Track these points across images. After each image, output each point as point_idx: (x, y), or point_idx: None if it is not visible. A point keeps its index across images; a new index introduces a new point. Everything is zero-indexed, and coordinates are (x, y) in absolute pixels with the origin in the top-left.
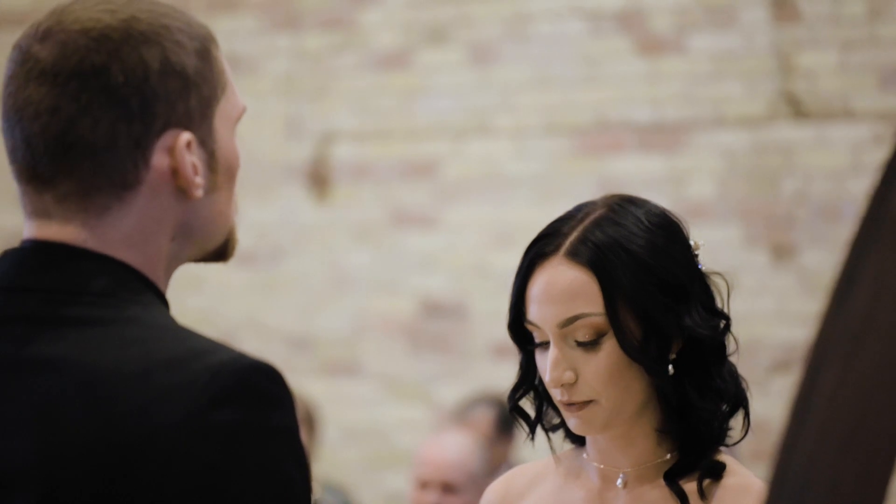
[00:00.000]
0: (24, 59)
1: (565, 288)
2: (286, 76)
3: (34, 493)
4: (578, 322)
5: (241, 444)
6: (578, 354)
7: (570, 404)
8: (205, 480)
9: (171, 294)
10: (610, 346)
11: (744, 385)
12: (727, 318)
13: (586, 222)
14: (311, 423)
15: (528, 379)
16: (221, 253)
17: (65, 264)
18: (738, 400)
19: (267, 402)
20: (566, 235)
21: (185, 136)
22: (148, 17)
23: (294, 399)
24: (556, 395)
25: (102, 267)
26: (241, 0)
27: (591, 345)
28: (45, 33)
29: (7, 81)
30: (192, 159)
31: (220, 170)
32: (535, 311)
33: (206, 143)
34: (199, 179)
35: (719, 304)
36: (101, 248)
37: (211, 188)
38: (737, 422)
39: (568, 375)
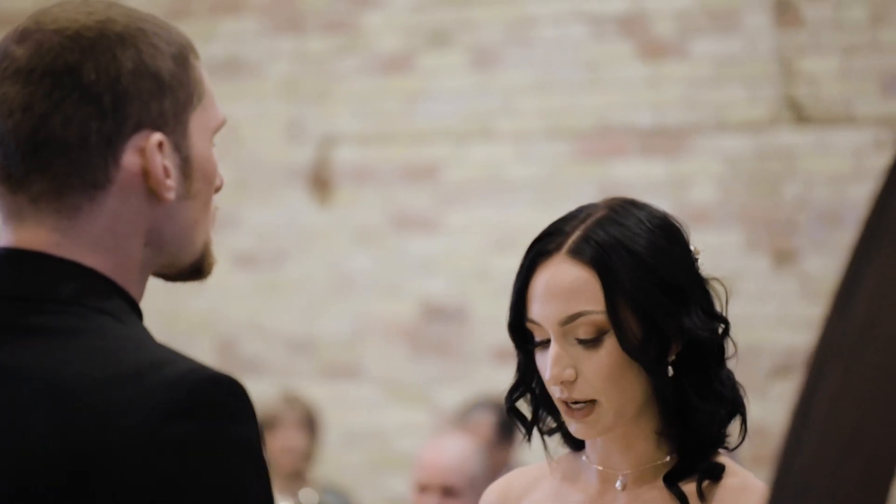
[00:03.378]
0: (1, 60)
1: (567, 286)
2: (288, 79)
3: None
4: (580, 320)
5: (196, 458)
6: (579, 352)
7: (572, 409)
8: (161, 493)
9: (173, 297)
10: (610, 344)
11: (741, 391)
12: (726, 322)
13: (588, 222)
14: (312, 426)
15: (526, 380)
16: (197, 269)
17: (32, 271)
18: (735, 406)
19: (224, 415)
20: (568, 234)
21: (157, 137)
22: (125, 20)
23: (254, 412)
24: (556, 392)
25: (69, 273)
26: (244, 2)
27: (591, 343)
28: (22, 34)
29: None
30: (163, 161)
31: (194, 176)
32: (537, 309)
33: (181, 147)
34: (170, 182)
35: (718, 309)
36: (72, 253)
37: (185, 194)
38: (734, 428)
39: (568, 373)
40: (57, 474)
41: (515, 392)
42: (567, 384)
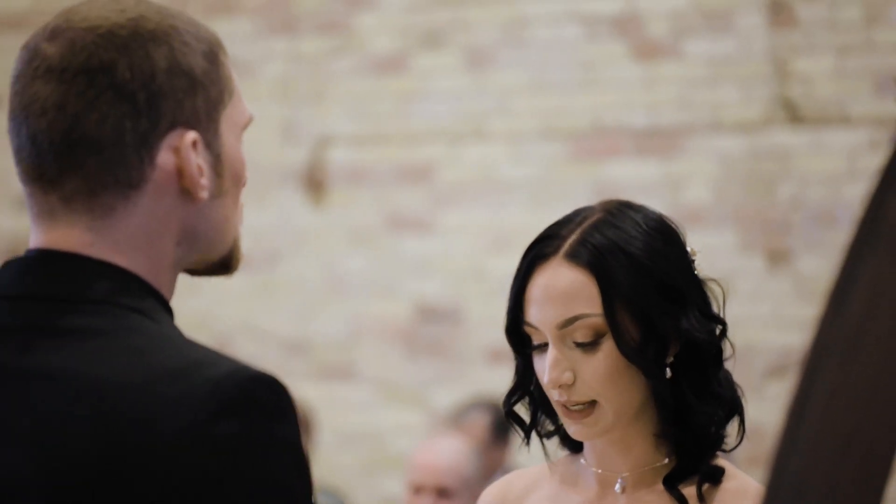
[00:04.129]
0: (31, 58)
1: (565, 289)
2: (282, 80)
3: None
4: (577, 323)
5: (243, 456)
6: (577, 355)
7: (571, 410)
8: (206, 492)
9: None
10: (608, 347)
11: (739, 392)
12: (724, 324)
13: (585, 225)
14: (306, 427)
15: (524, 384)
16: (226, 264)
17: (66, 272)
18: (733, 407)
19: (269, 414)
20: (565, 238)
21: (191, 136)
22: (156, 17)
23: (296, 410)
24: (555, 395)
25: (103, 273)
26: (238, 3)
27: (589, 346)
28: (53, 32)
29: (14, 80)
30: (197, 160)
31: (225, 174)
32: (535, 313)
33: (212, 145)
34: (204, 181)
35: (716, 310)
36: (106, 253)
37: (216, 192)
38: (732, 428)
39: (567, 376)
40: (98, 477)
41: (513, 396)
42: (565, 387)
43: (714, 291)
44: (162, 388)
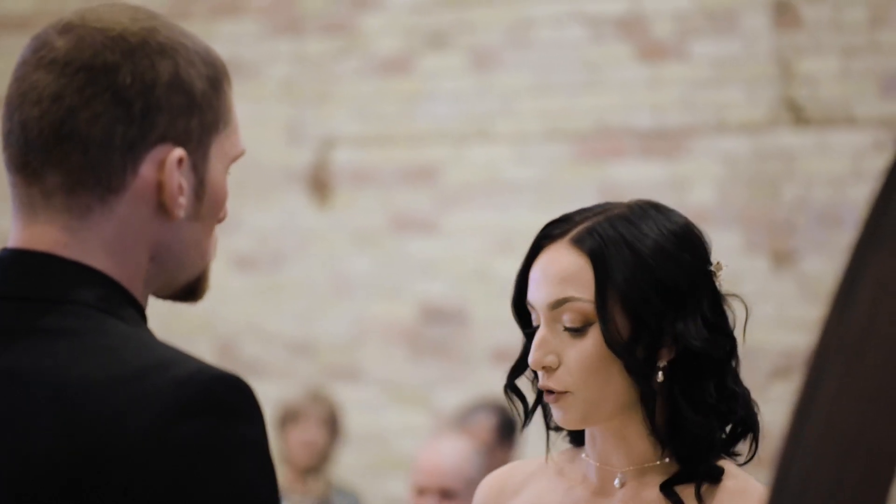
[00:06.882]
0: (39, 47)
1: (560, 270)
2: (287, 81)
3: (2, 501)
4: (567, 305)
5: (205, 457)
6: (565, 339)
7: (548, 392)
8: (170, 491)
9: None
10: (595, 335)
11: (755, 409)
12: (732, 339)
13: (601, 216)
14: (333, 424)
15: (527, 362)
16: (192, 290)
17: (40, 273)
18: (748, 425)
19: (233, 415)
20: (577, 224)
21: (178, 153)
22: (168, 32)
23: (262, 412)
24: (540, 378)
25: (76, 275)
26: (243, 4)
27: (577, 331)
28: (66, 26)
29: (18, 66)
30: (179, 178)
31: (205, 200)
32: (532, 291)
33: (198, 168)
34: (182, 200)
35: (732, 326)
36: (80, 254)
37: (194, 215)
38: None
39: (550, 359)
40: (64, 476)
41: (516, 371)
42: (548, 371)
43: (734, 308)
44: (127, 387)
